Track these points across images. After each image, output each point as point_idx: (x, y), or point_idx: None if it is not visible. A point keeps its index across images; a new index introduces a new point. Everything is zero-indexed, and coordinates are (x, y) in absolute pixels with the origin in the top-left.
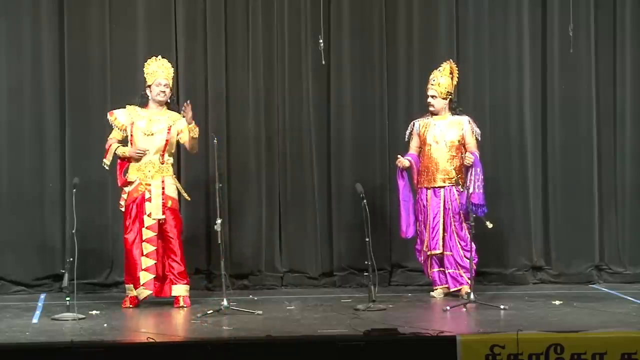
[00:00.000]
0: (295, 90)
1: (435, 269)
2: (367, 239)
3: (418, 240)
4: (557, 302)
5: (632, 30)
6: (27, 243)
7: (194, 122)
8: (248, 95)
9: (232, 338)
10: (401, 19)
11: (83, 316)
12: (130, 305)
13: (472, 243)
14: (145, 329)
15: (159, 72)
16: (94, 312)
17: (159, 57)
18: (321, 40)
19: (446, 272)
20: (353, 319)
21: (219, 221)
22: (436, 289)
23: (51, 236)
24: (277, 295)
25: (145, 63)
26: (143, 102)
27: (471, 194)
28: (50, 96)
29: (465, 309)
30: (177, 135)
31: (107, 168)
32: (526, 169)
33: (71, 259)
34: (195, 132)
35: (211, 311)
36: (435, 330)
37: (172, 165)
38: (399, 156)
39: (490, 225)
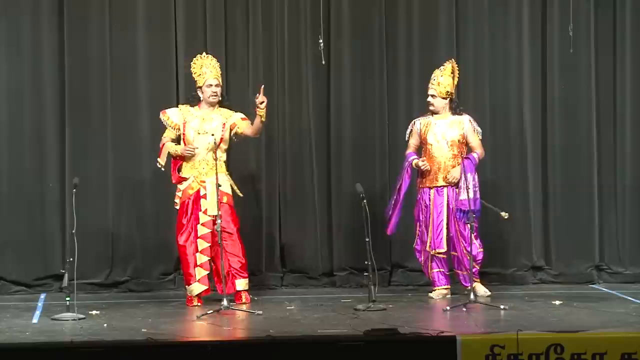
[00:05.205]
0: (295, 90)
1: (435, 270)
2: (367, 239)
3: (418, 241)
4: (557, 302)
5: (632, 30)
6: (27, 243)
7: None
8: (248, 95)
9: (232, 338)
10: (401, 19)
11: (83, 316)
12: (199, 304)
13: (477, 240)
14: (145, 329)
15: (208, 73)
16: (94, 312)
17: (203, 54)
18: (321, 40)
19: (457, 272)
20: (353, 319)
21: (218, 221)
22: (435, 290)
23: (51, 236)
24: (277, 295)
25: (192, 63)
26: (194, 102)
27: (461, 200)
28: (50, 96)
29: (465, 309)
30: (232, 129)
31: (162, 168)
32: (526, 169)
33: (71, 259)
34: (264, 116)
35: (211, 311)
36: (435, 330)
37: (225, 162)
38: (424, 159)
39: (505, 216)
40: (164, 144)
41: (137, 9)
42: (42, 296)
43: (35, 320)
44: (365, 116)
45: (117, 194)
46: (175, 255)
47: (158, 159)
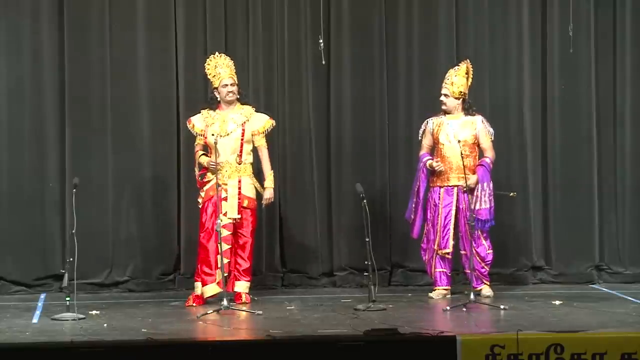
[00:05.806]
0: (295, 90)
1: (439, 269)
2: (367, 239)
3: (425, 239)
4: (557, 302)
5: (632, 30)
6: (27, 243)
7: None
8: (248, 95)
9: (232, 338)
10: (401, 19)
11: (83, 316)
12: (194, 304)
13: (486, 241)
14: (145, 329)
15: (222, 73)
16: (94, 312)
17: (216, 53)
18: (321, 40)
19: (467, 272)
20: (353, 319)
21: (218, 221)
22: (435, 290)
23: (51, 236)
24: (277, 295)
25: (206, 64)
26: (214, 105)
27: (478, 210)
28: (50, 96)
29: (465, 309)
30: (253, 135)
31: (198, 178)
32: (526, 169)
33: (71, 259)
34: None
35: (211, 311)
36: (435, 330)
37: (252, 164)
38: (438, 159)
39: (515, 195)
40: (196, 151)
41: (137, 9)
42: (42, 296)
43: (35, 320)
44: (365, 116)
45: (117, 194)
46: (175, 255)
47: (195, 168)
